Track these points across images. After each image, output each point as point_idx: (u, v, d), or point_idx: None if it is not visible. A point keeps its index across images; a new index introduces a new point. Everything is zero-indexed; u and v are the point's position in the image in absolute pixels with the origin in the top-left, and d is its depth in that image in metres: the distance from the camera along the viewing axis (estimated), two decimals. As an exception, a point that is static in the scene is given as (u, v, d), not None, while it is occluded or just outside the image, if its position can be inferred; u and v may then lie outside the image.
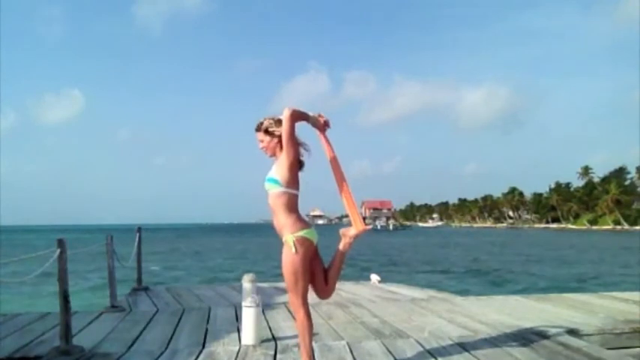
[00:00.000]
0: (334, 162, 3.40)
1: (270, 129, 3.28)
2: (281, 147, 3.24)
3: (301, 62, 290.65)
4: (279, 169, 3.21)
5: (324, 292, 3.44)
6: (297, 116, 3.22)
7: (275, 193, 3.21)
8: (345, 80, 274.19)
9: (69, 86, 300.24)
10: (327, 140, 3.41)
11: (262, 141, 3.32)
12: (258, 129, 3.33)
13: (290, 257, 3.16)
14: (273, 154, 3.31)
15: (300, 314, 3.23)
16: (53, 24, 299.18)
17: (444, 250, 38.50)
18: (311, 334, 3.28)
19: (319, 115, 3.37)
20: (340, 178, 3.38)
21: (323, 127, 3.40)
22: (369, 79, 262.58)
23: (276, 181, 3.20)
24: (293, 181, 3.22)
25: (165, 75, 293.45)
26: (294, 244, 3.15)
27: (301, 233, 3.18)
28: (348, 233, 3.39)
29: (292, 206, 3.23)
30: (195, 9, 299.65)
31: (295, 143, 3.20)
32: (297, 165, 3.23)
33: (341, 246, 3.40)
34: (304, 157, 3.31)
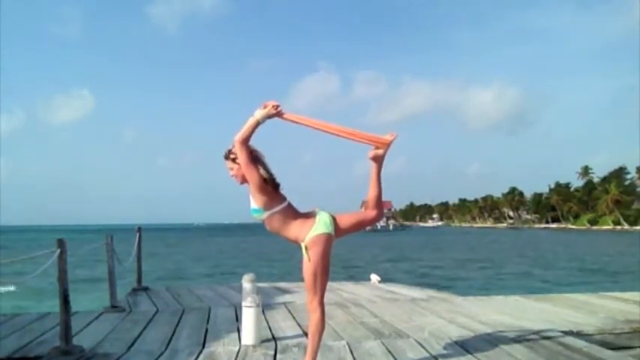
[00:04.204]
0: (316, 123, 3.23)
1: (237, 159, 3.19)
2: None
3: (311, 62, 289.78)
4: (254, 197, 3.18)
5: (374, 218, 3.40)
6: (246, 136, 3.11)
7: (265, 219, 3.21)
8: (354, 80, 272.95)
9: (79, 86, 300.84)
10: (294, 117, 3.22)
11: (232, 169, 3.27)
12: (226, 157, 3.28)
13: (312, 258, 3.16)
14: (244, 181, 3.23)
15: (315, 315, 3.22)
16: (67, 23, 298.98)
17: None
18: (321, 336, 3.27)
19: (264, 107, 3.14)
20: (335, 128, 3.22)
21: (276, 109, 3.16)
22: (379, 79, 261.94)
23: (258, 210, 3.19)
24: (272, 200, 3.18)
25: (173, 75, 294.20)
26: (312, 247, 3.16)
27: (312, 233, 3.18)
28: (379, 154, 3.29)
29: (289, 218, 3.21)
30: (205, 10, 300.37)
31: (254, 167, 3.12)
32: (264, 184, 3.14)
33: (374, 170, 3.33)
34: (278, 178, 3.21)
